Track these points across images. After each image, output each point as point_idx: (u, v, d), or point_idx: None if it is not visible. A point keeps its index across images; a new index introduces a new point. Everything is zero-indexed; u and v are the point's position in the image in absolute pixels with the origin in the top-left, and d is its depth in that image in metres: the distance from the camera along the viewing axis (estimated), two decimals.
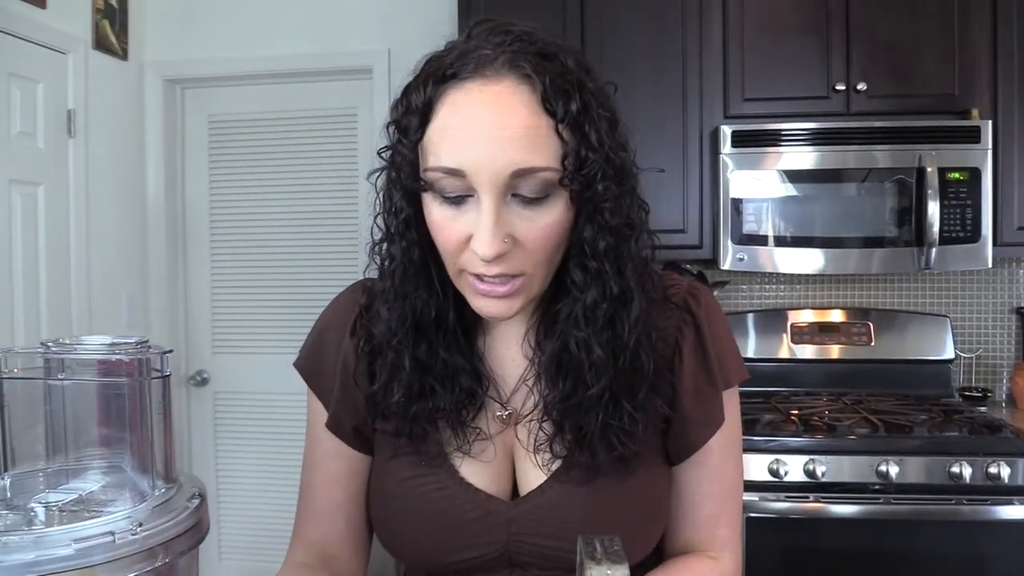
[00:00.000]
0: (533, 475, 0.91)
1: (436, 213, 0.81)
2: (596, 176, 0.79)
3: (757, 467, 2.23)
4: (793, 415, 2.42)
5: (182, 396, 3.43)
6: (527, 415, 0.91)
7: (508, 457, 0.93)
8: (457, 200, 0.80)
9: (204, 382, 3.43)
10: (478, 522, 0.90)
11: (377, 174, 0.86)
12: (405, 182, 0.82)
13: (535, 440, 0.90)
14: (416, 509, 0.91)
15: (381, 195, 0.87)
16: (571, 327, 0.85)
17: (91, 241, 2.94)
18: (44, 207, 2.75)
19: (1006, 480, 2.19)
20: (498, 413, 0.92)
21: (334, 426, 0.97)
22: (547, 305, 0.89)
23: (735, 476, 0.98)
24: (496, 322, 0.92)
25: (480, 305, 0.83)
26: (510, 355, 0.93)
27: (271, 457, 3.30)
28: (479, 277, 0.81)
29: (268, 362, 3.33)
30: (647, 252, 0.88)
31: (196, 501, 0.68)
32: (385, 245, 0.88)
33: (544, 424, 0.89)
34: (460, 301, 0.88)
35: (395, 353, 0.87)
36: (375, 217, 0.87)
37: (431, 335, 0.87)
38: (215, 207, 3.39)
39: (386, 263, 0.88)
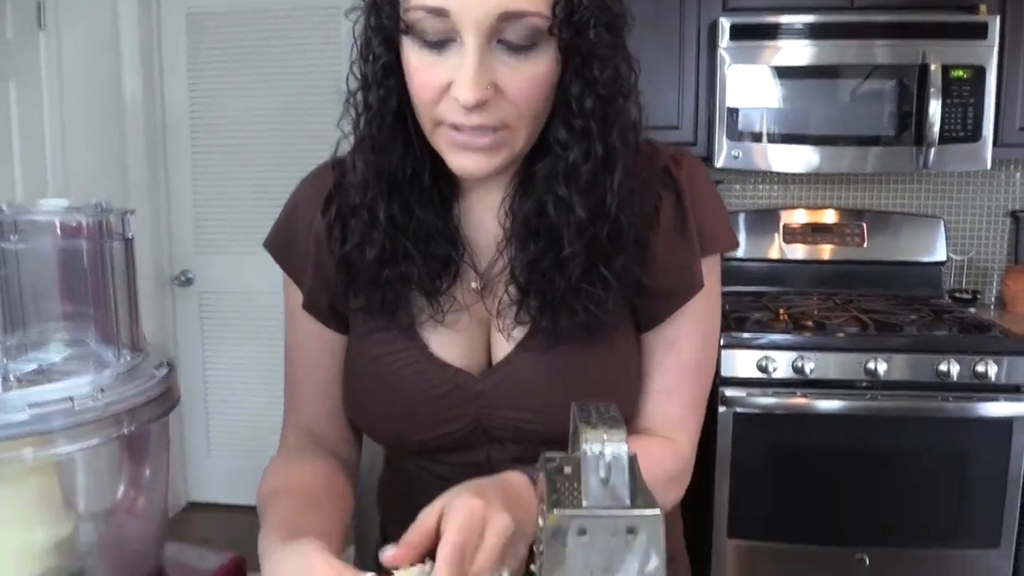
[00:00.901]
0: (502, 347, 0.89)
1: (415, 58, 0.76)
2: (588, 23, 0.73)
3: (745, 364, 2.23)
4: (783, 313, 2.41)
5: (167, 297, 3.40)
6: (496, 277, 0.88)
7: (483, 330, 0.90)
8: (438, 45, 0.74)
9: (189, 282, 3.39)
10: (447, 397, 0.87)
11: (356, 18, 0.80)
12: (385, 22, 0.76)
13: (499, 305, 0.87)
14: (386, 387, 0.88)
15: (359, 42, 0.81)
16: (550, 186, 0.81)
17: (67, 140, 2.85)
18: (16, 104, 2.65)
19: (993, 379, 2.19)
20: (473, 284, 0.89)
21: (310, 306, 0.93)
22: (527, 169, 0.85)
23: (702, 352, 0.93)
24: (473, 187, 0.87)
25: (458, 161, 0.78)
26: (487, 223, 0.89)
27: (258, 355, 3.29)
28: (457, 128, 0.76)
29: (253, 262, 3.27)
30: (635, 115, 0.83)
31: (164, 370, 0.65)
32: (361, 94, 0.82)
33: (510, 289, 0.86)
34: (437, 162, 0.83)
35: (368, 211, 0.83)
36: (351, 65, 0.82)
37: (406, 193, 0.83)
38: (195, 104, 3.28)
39: (362, 114, 0.82)
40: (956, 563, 2.32)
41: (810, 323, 2.32)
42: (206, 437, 3.50)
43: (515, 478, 0.76)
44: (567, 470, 0.62)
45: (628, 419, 0.92)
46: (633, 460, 0.54)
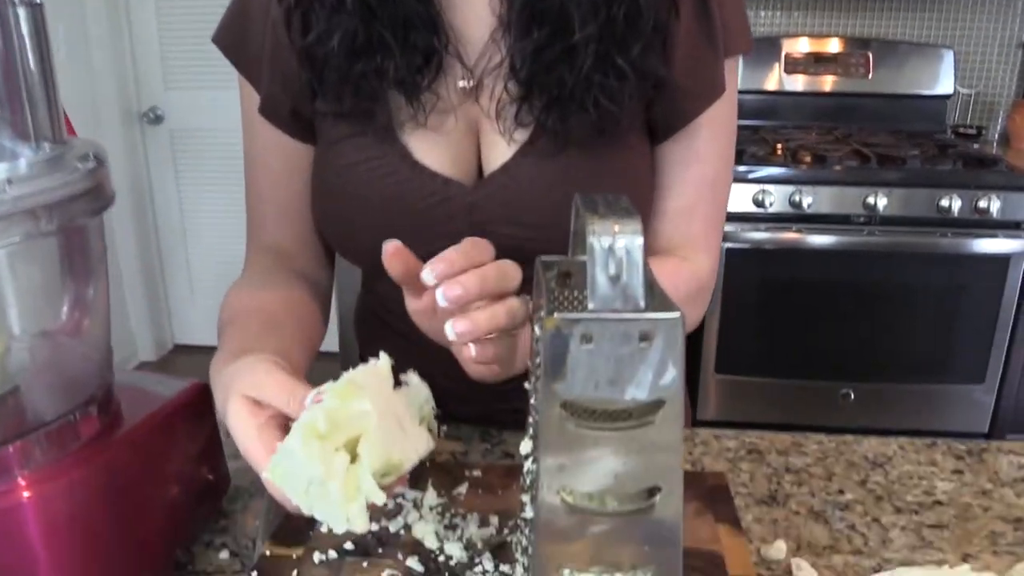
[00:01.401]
0: (498, 152, 0.78)
1: None
2: None
3: (741, 198, 2.14)
4: (781, 147, 2.30)
5: (136, 135, 3.24)
6: (492, 72, 0.76)
7: (472, 135, 0.79)
8: None
9: (158, 120, 3.22)
10: (434, 210, 0.77)
11: None
12: None
13: (498, 104, 0.76)
14: (362, 200, 0.78)
15: None
16: None
17: None
18: None
19: (994, 215, 2.13)
20: (460, 82, 0.77)
21: (268, 110, 0.82)
22: None
23: (721, 165, 0.84)
24: None
25: None
26: (476, 9, 0.76)
27: (236, 194, 3.16)
28: None
29: (227, 98, 3.10)
30: None
31: (91, 163, 0.55)
32: None
33: (510, 85, 0.75)
34: None
35: None
36: None
37: None
38: None
39: None
40: (940, 398, 2.34)
41: (809, 156, 2.21)
42: (188, 279, 3.43)
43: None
44: (569, 276, 0.54)
45: None
46: (646, 259, 0.46)
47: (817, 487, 0.81)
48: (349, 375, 0.53)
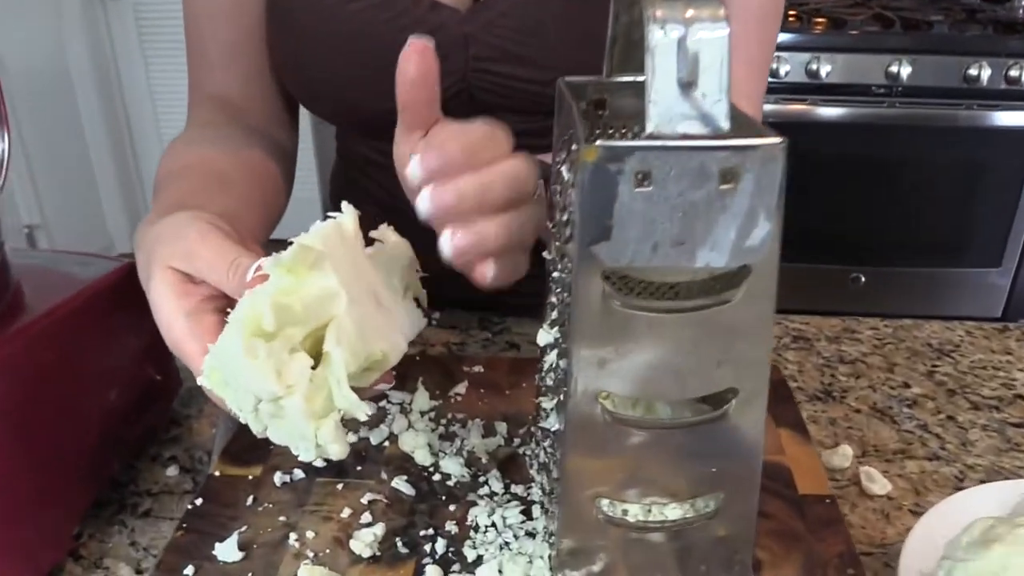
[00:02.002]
0: None
1: None
2: None
3: None
4: (796, 11, 2.11)
5: (97, 15, 2.99)
6: None
7: None
8: None
9: None
10: None
11: None
12: None
13: None
14: (331, 34, 0.62)
15: None
16: None
17: None
18: None
19: None
20: None
21: None
22: None
23: (768, 36, 0.70)
24: None
25: None
26: None
27: None
28: None
29: None
30: None
31: None
32: None
33: None
34: None
35: None
36: None
37: None
38: None
39: None
40: (953, 282, 2.23)
41: (826, 21, 2.03)
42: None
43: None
44: (603, 105, 0.39)
45: None
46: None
47: (877, 380, 0.68)
48: (300, 239, 0.38)
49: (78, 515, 0.53)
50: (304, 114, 0.76)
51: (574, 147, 0.33)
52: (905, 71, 1.99)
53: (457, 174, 0.39)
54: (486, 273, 0.41)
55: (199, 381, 0.39)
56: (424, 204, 0.39)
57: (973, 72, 2.00)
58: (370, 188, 0.74)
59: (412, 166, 0.39)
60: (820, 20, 2.06)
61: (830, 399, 0.66)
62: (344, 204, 0.42)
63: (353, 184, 0.77)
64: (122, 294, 0.56)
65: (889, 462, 0.59)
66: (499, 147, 0.41)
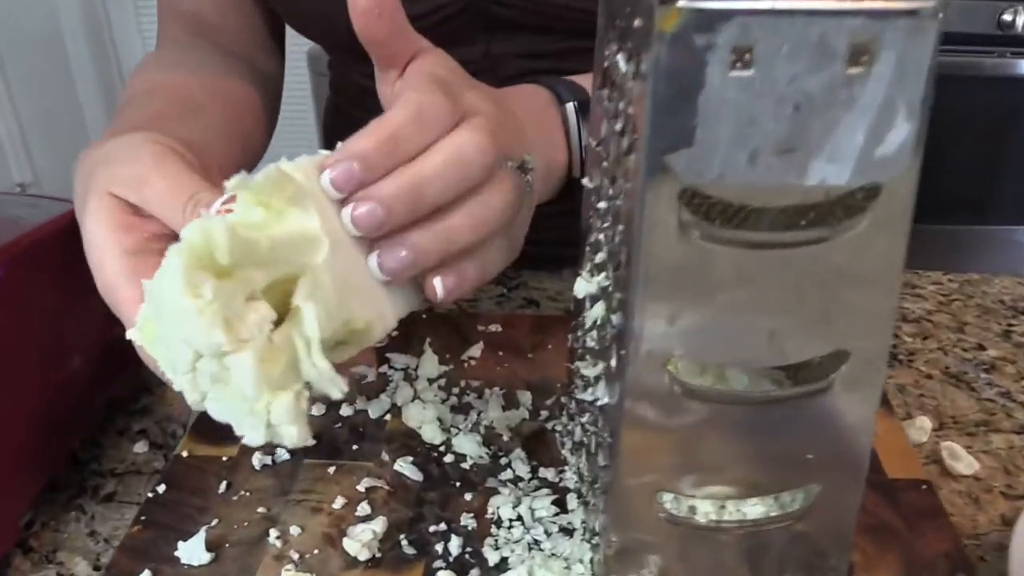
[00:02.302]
0: None
1: None
2: None
3: None
4: None
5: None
6: None
7: None
8: None
9: None
10: None
11: None
12: None
13: None
14: None
15: None
16: None
17: None
18: None
19: None
20: None
21: None
22: None
23: None
24: None
25: None
26: None
27: None
28: None
29: None
30: None
31: None
32: None
33: None
34: None
35: None
36: None
37: None
38: None
39: None
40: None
41: None
42: None
43: (531, 90, 0.45)
44: None
45: None
46: None
47: (948, 341, 0.60)
48: (280, 164, 0.29)
49: (28, 500, 0.45)
50: (302, 43, 0.67)
51: (637, 22, 0.24)
52: (1020, 20, 1.91)
53: (378, 179, 0.30)
54: (435, 289, 0.32)
55: (128, 335, 0.31)
56: (349, 227, 0.30)
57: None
58: (366, 121, 0.65)
59: (324, 181, 0.30)
60: None
61: (896, 362, 0.57)
62: (340, 144, 0.33)
63: (347, 116, 0.68)
64: (80, 240, 0.47)
65: (972, 436, 0.50)
66: (433, 126, 0.32)
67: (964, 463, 0.47)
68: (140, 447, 0.50)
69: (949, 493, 0.46)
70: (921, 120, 0.23)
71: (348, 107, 0.68)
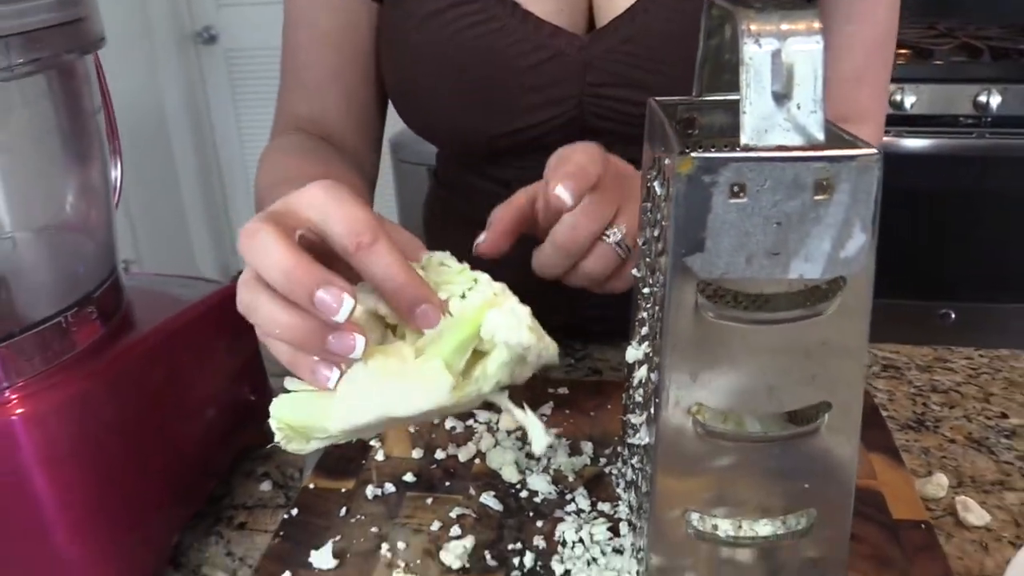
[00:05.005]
0: None
1: None
2: None
3: None
4: None
5: (191, 56, 3.14)
6: None
7: None
8: None
9: (212, 39, 3.10)
10: (542, 70, 0.62)
11: None
12: None
13: None
14: (450, 58, 0.63)
15: None
16: None
17: None
18: None
19: None
20: None
21: None
22: None
23: (891, 25, 0.70)
24: None
25: None
26: None
27: None
28: None
29: (281, 14, 2.97)
30: None
31: None
32: None
33: None
34: None
35: None
36: None
37: None
38: None
39: None
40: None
41: (910, 50, 2.00)
42: (249, 205, 3.34)
43: (621, 161, 0.54)
44: (692, 124, 0.40)
45: None
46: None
47: (973, 410, 0.66)
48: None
49: (178, 525, 0.55)
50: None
51: (667, 161, 0.33)
52: (995, 100, 1.95)
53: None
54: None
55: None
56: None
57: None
58: (468, 211, 0.75)
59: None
60: (904, 51, 2.03)
61: (923, 428, 0.64)
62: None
63: (450, 207, 0.78)
64: (221, 314, 0.58)
65: (987, 493, 0.57)
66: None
67: (976, 515, 0.54)
68: (265, 486, 0.60)
69: (961, 541, 0.52)
70: (872, 232, 0.32)
71: (453, 199, 0.78)
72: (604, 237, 0.47)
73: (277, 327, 0.36)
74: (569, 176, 0.44)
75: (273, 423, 0.39)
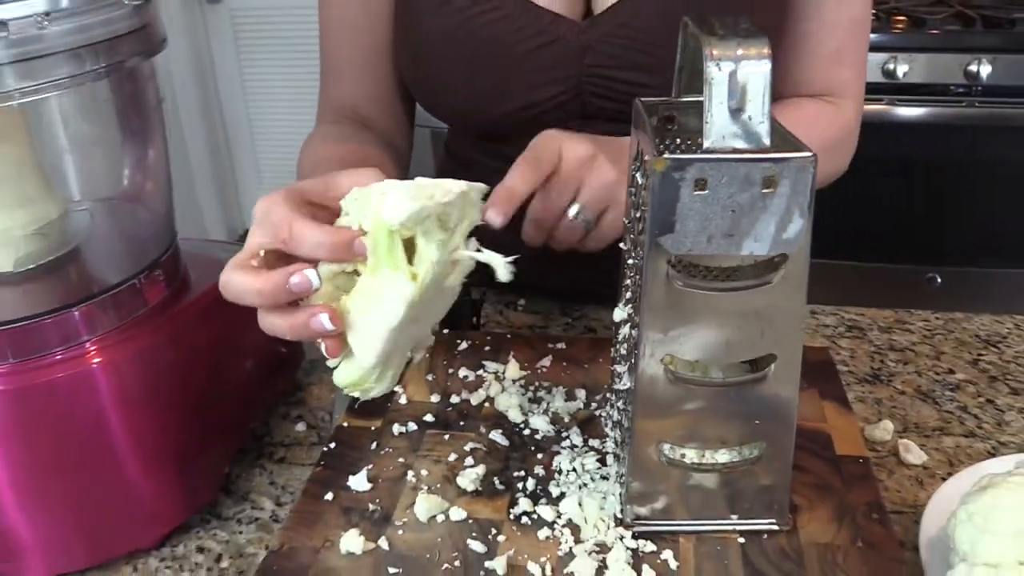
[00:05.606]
0: None
1: None
2: None
3: None
4: (873, 12, 2.12)
5: (196, 18, 3.17)
6: None
7: None
8: None
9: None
10: (542, 53, 0.69)
11: None
12: None
13: None
14: (459, 43, 0.71)
15: None
16: None
17: None
18: None
19: None
20: None
21: None
22: None
23: (868, 3, 0.78)
24: None
25: None
26: None
27: (301, 77, 3.09)
28: None
29: None
30: None
31: (137, 0, 0.49)
32: None
33: None
34: None
35: None
36: None
37: None
38: None
39: None
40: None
41: (904, 20, 2.04)
42: (255, 167, 3.40)
43: (620, 140, 0.61)
44: (671, 121, 0.48)
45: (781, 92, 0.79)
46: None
47: (924, 366, 0.75)
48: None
49: (228, 458, 0.64)
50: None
51: (647, 158, 0.41)
52: (985, 70, 1.99)
53: None
54: None
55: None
56: None
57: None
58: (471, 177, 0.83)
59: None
60: (900, 19, 2.07)
61: (878, 382, 0.72)
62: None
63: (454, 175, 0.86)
64: None
65: (927, 437, 0.65)
66: None
67: (915, 455, 0.63)
68: (300, 427, 0.69)
69: (900, 477, 0.61)
70: (808, 218, 0.40)
71: (461, 172, 0.86)
72: (567, 214, 0.57)
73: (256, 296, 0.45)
74: (492, 204, 0.52)
75: (344, 391, 0.48)
